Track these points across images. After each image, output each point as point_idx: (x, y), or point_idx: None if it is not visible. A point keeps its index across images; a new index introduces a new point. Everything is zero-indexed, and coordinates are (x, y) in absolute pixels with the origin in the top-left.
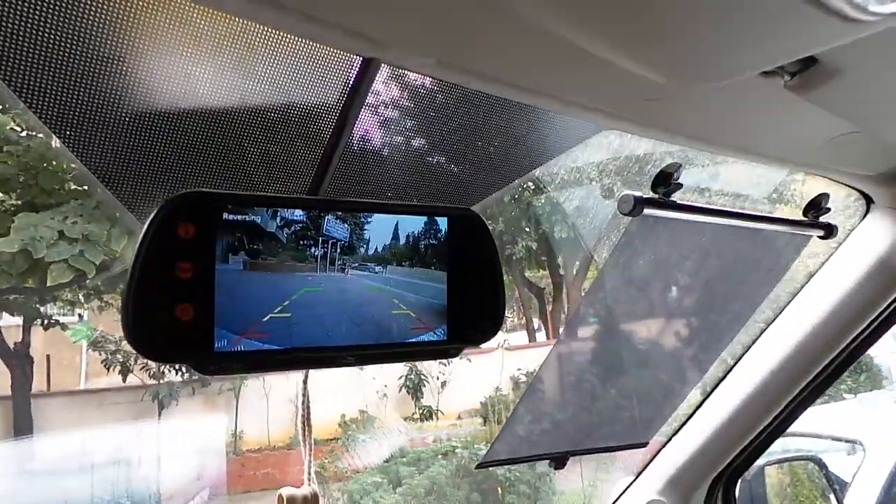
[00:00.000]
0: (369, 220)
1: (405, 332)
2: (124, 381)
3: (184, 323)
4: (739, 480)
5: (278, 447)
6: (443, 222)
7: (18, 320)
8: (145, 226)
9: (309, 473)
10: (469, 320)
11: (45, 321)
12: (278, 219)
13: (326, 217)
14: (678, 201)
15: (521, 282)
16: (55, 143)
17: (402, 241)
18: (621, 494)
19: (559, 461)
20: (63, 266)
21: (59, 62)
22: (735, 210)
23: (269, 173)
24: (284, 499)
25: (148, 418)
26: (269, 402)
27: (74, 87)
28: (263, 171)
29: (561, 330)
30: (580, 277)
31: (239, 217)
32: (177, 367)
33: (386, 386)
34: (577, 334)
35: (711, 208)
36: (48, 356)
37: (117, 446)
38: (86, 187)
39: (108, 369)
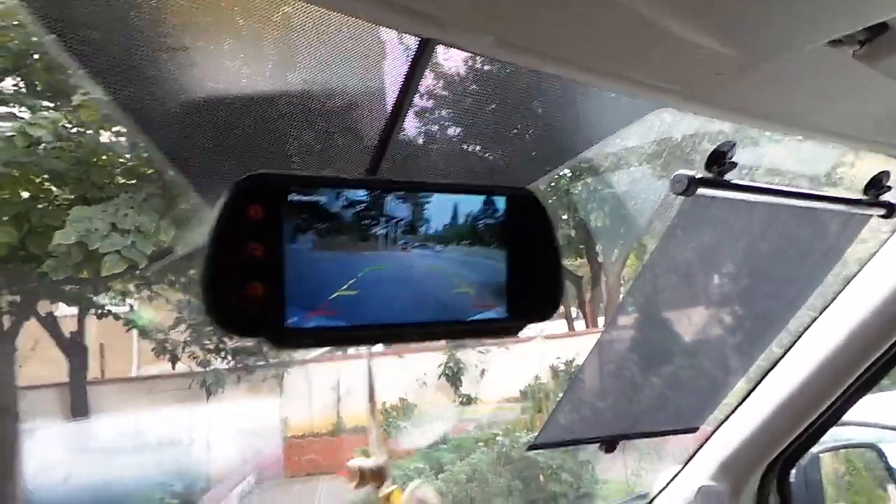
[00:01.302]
0: (429, 200)
1: (466, 310)
2: (173, 368)
3: (257, 300)
4: (794, 468)
5: (321, 434)
6: (501, 202)
7: (74, 310)
8: (217, 208)
9: (378, 446)
10: (528, 298)
11: (99, 311)
12: (342, 199)
13: (388, 197)
14: (733, 181)
15: None
16: (104, 138)
17: (462, 220)
18: (671, 480)
19: (609, 445)
20: (116, 257)
21: (138, 50)
22: (791, 189)
23: (328, 155)
24: (354, 469)
25: (196, 404)
26: (311, 389)
27: (152, 76)
28: (323, 153)
29: (601, 318)
30: (619, 265)
31: (304, 198)
32: (223, 354)
33: (425, 374)
34: (627, 319)
35: (767, 187)
36: (102, 345)
37: (167, 430)
38: (134, 181)
39: (158, 357)
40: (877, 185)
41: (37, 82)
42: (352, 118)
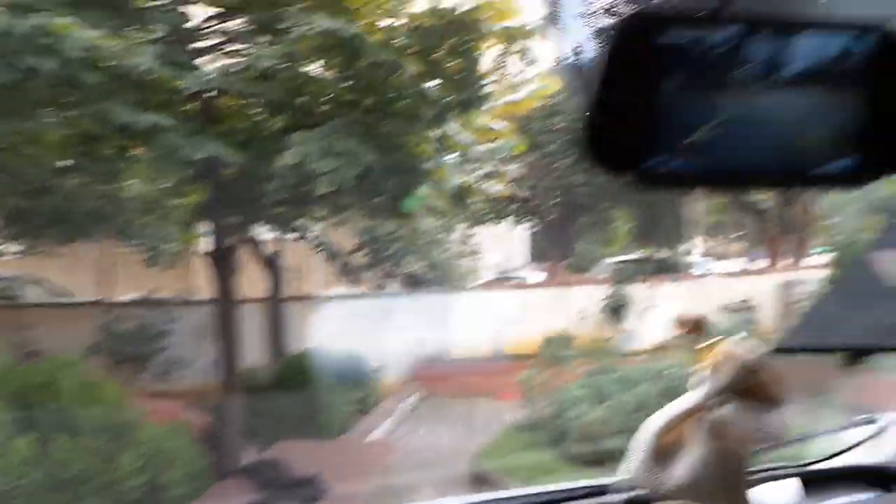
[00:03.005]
0: (788, 40)
1: (820, 161)
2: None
3: (628, 140)
4: None
5: (483, 359)
6: (860, 42)
7: (275, 235)
8: (607, 47)
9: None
10: (885, 148)
11: (298, 234)
12: (709, 39)
13: (750, 38)
14: None
15: (736, 205)
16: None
17: (821, 64)
18: None
19: (857, 356)
20: (330, 177)
21: None
22: None
23: None
24: (683, 319)
25: (373, 322)
26: (476, 316)
27: None
28: None
29: (787, 258)
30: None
31: (676, 38)
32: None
33: (588, 307)
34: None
35: None
36: (299, 265)
37: (347, 344)
38: (341, 110)
39: (342, 278)
40: None
41: (262, 19)
42: None
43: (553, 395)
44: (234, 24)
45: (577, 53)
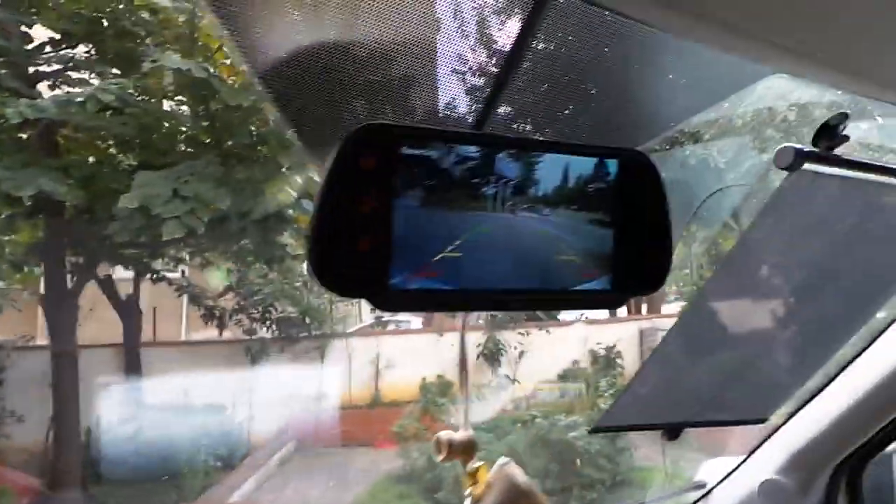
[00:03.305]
0: (540, 159)
1: (571, 279)
2: (220, 335)
3: (363, 257)
4: (866, 467)
5: (360, 406)
6: (613, 165)
7: (129, 275)
8: (332, 157)
9: (466, 419)
10: (635, 269)
11: (154, 276)
12: (452, 155)
13: (498, 155)
14: (845, 156)
15: None
16: (167, 107)
17: (572, 182)
18: (733, 471)
19: (672, 432)
20: (176, 222)
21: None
22: None
23: (437, 109)
24: (443, 441)
25: (241, 371)
26: (352, 362)
27: (274, 24)
28: (432, 107)
29: (644, 305)
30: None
31: (416, 151)
32: (268, 324)
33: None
34: (704, 303)
35: (885, 165)
36: (154, 309)
37: (212, 395)
38: (195, 150)
39: (207, 324)
40: None
41: (107, 50)
42: (461, 72)
43: (428, 443)
44: (81, 51)
45: None
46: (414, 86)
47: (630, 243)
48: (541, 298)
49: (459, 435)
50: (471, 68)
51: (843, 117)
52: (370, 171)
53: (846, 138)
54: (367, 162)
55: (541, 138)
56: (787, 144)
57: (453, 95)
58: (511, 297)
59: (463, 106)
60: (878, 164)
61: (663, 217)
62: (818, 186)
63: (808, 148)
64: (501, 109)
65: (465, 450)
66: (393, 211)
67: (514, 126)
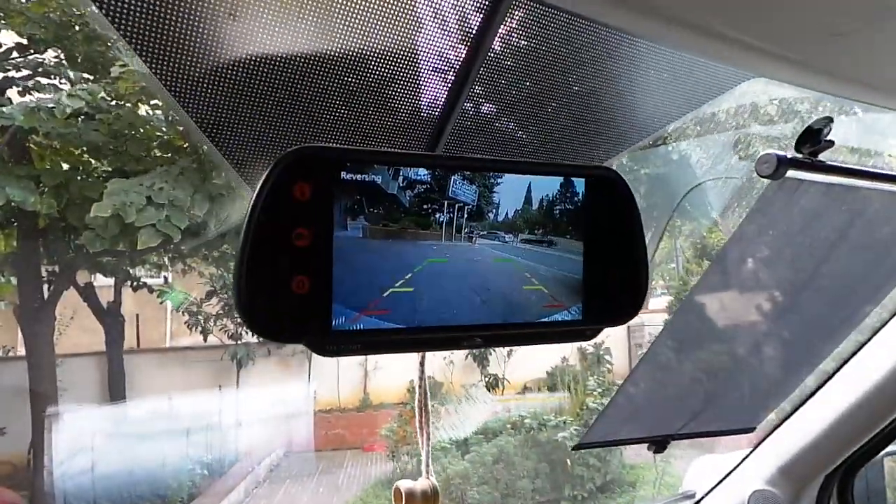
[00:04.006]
0: (499, 181)
1: (537, 311)
2: (205, 341)
3: (300, 297)
4: (857, 475)
5: (347, 409)
6: (580, 184)
7: (110, 281)
8: (259, 185)
9: (428, 465)
10: (607, 298)
11: (135, 283)
12: (400, 179)
13: (452, 178)
14: (828, 162)
15: None
16: (142, 111)
17: (535, 205)
18: (722, 480)
19: (659, 445)
20: (151, 230)
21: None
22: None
23: (383, 128)
24: (402, 492)
25: (227, 376)
26: (339, 365)
27: (185, 38)
28: (377, 127)
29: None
30: (651, 248)
31: (358, 176)
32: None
33: (452, 353)
34: (690, 312)
35: (868, 170)
36: (137, 315)
37: (198, 402)
38: (170, 154)
39: (191, 330)
40: None
41: (77, 54)
42: (411, 87)
43: (415, 447)
44: (50, 56)
45: None
46: (357, 104)
47: (602, 269)
48: (504, 334)
49: (420, 484)
50: (421, 84)
51: (828, 121)
52: (305, 201)
53: (831, 143)
54: (302, 189)
55: (500, 158)
56: (768, 151)
57: (402, 113)
58: (471, 334)
59: (413, 125)
60: (863, 169)
61: (637, 238)
62: (803, 191)
63: (790, 154)
64: (456, 127)
65: (426, 501)
66: (333, 244)
67: (471, 145)
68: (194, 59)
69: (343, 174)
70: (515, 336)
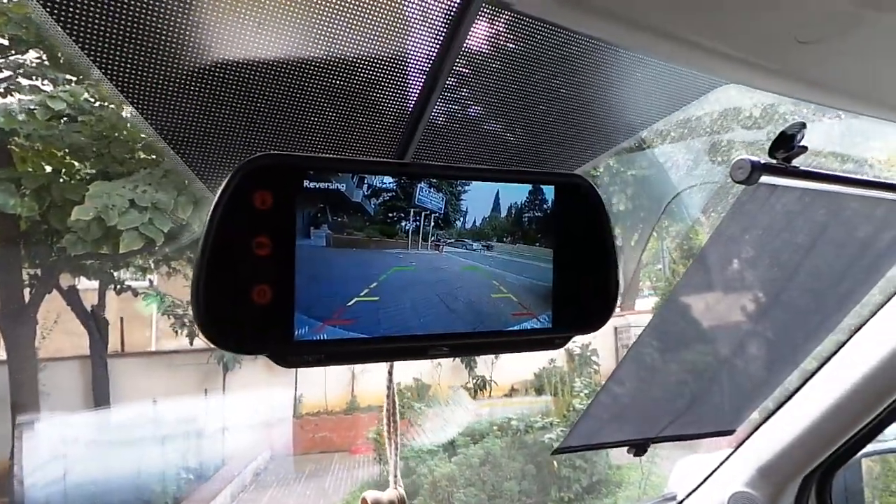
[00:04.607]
0: (466, 188)
1: (505, 319)
2: (191, 344)
3: (261, 308)
4: (835, 476)
5: (335, 411)
6: (549, 191)
7: (95, 284)
8: (217, 194)
9: (395, 475)
10: (578, 305)
11: (119, 286)
12: (365, 187)
13: (419, 185)
14: (801, 168)
15: None
16: (126, 112)
17: (503, 213)
18: (703, 482)
19: (639, 448)
20: (134, 234)
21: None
22: (870, 178)
23: (349, 136)
24: (369, 502)
25: (213, 380)
26: (326, 368)
27: (141, 41)
28: (343, 134)
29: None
30: (638, 250)
31: (321, 184)
32: None
33: None
34: (668, 316)
35: (841, 175)
36: (122, 318)
37: (183, 405)
38: (154, 156)
39: (177, 333)
40: None
41: (59, 55)
42: (377, 95)
43: (404, 449)
44: (32, 57)
45: None
46: (325, 111)
47: (571, 277)
48: (472, 343)
49: (388, 494)
50: (389, 91)
51: (801, 126)
52: (267, 210)
53: (804, 149)
54: (263, 198)
55: (470, 165)
56: (742, 157)
57: (369, 121)
58: (437, 343)
59: (381, 132)
60: (835, 174)
61: (607, 246)
62: (779, 194)
63: (764, 160)
64: (426, 135)
65: None
66: (295, 253)
67: (439, 153)
68: (152, 64)
69: (306, 182)
70: (483, 345)
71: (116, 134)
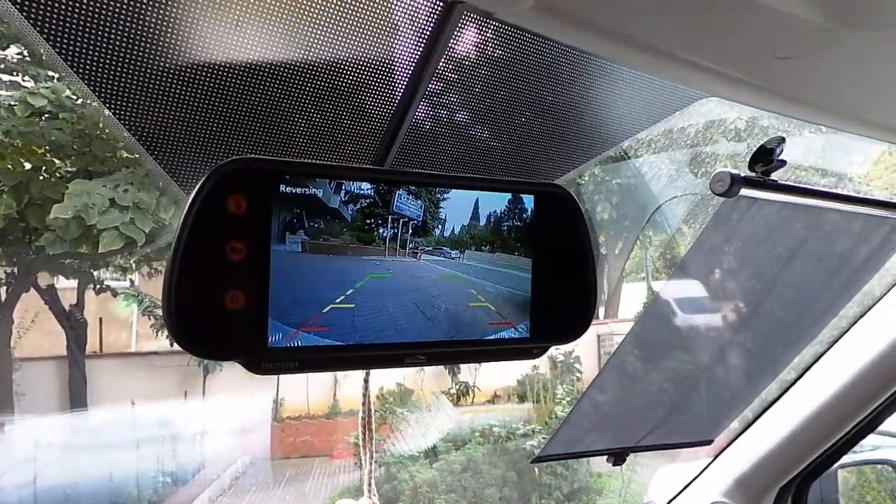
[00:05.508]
0: (445, 196)
1: (483, 328)
2: (171, 345)
3: (234, 313)
4: (811, 486)
5: (317, 416)
6: (529, 200)
7: (73, 283)
8: (190, 198)
9: (370, 483)
10: (556, 315)
11: (98, 286)
12: (342, 193)
13: (397, 192)
14: (780, 181)
15: None
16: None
17: (483, 221)
18: (680, 492)
19: (618, 457)
20: (114, 233)
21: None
22: (848, 193)
23: (328, 141)
24: None
25: (193, 382)
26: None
27: (116, 42)
28: (322, 139)
29: (601, 309)
30: (622, 258)
31: (298, 190)
32: None
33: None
34: (648, 326)
35: (819, 190)
36: (101, 319)
37: (162, 407)
38: (137, 155)
39: (157, 334)
40: None
41: (41, 51)
42: (357, 100)
43: (385, 454)
44: (13, 53)
45: None
46: (304, 115)
47: (550, 287)
48: (449, 352)
49: (361, 503)
50: (369, 97)
51: (780, 141)
52: (241, 214)
53: (783, 163)
54: (238, 202)
55: (448, 172)
56: (722, 170)
57: (349, 126)
58: (413, 351)
59: (360, 138)
60: (814, 188)
61: (586, 256)
62: (758, 208)
63: (744, 173)
64: (406, 142)
65: None
66: (270, 258)
67: (419, 161)
68: (125, 63)
69: (282, 187)
70: (460, 354)
71: (98, 132)
